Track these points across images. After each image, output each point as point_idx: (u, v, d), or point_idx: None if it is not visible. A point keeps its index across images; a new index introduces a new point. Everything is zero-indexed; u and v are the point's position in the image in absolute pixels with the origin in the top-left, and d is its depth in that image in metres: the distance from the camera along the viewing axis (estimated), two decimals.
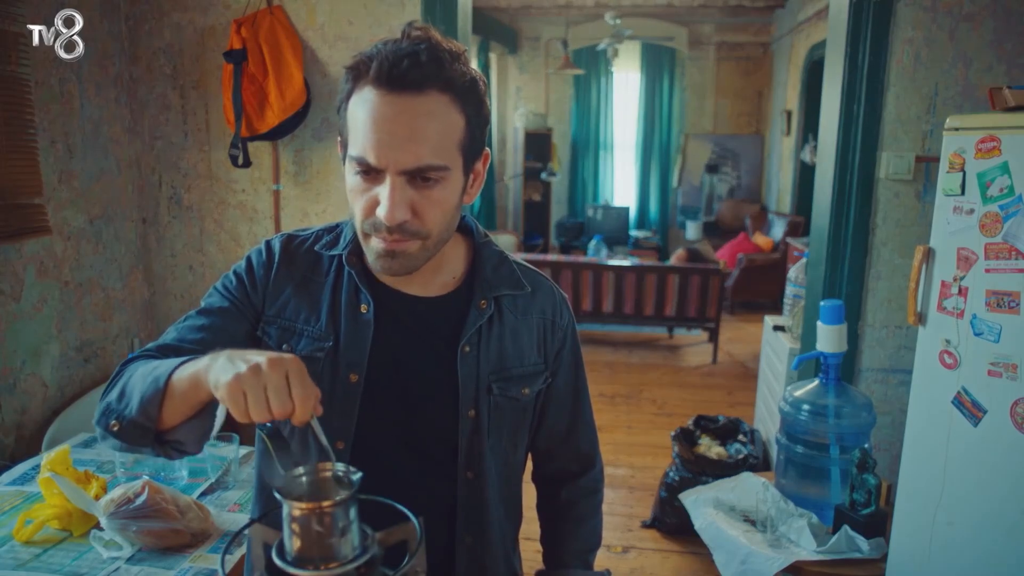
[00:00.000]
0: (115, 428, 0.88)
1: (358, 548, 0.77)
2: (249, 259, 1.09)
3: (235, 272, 1.09)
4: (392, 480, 0.99)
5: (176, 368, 0.86)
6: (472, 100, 0.92)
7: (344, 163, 0.95)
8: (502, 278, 1.08)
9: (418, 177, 0.89)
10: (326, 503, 0.73)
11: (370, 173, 0.90)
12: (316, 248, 1.07)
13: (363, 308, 1.03)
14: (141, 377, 0.89)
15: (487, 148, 1.01)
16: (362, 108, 0.89)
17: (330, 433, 1.01)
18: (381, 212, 0.89)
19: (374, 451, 1.04)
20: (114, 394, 0.92)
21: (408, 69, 0.86)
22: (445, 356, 1.04)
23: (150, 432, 0.87)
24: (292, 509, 0.74)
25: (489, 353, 1.05)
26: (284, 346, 1.03)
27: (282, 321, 1.05)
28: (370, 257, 0.97)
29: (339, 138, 0.97)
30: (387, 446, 1.05)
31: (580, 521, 1.25)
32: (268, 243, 1.09)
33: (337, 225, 1.10)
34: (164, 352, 0.98)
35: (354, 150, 0.90)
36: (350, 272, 1.04)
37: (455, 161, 0.92)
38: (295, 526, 0.75)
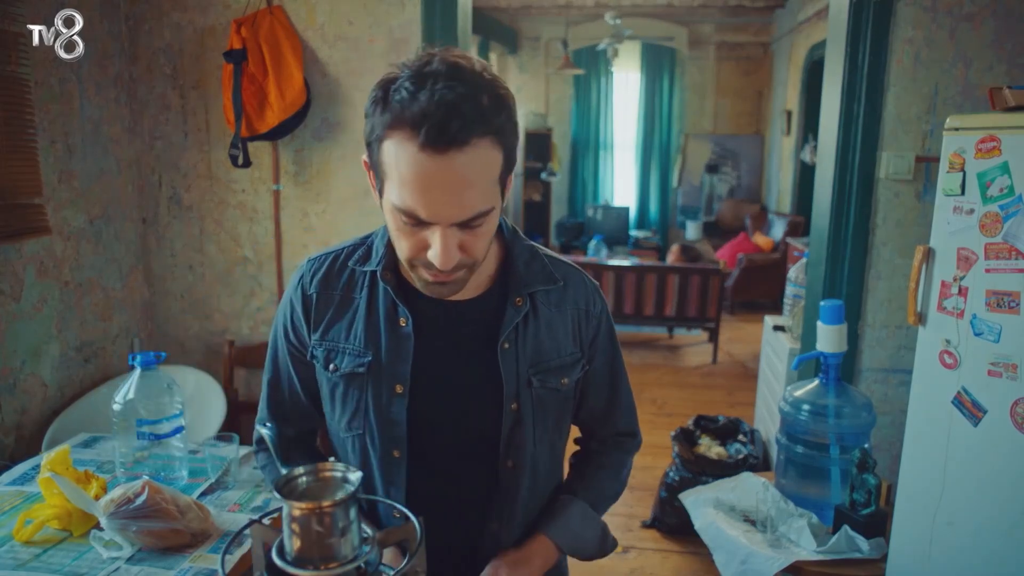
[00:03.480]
0: None
1: (358, 548, 0.77)
2: (291, 299, 1.13)
3: (283, 317, 1.14)
4: (435, 474, 1.06)
5: None
6: (508, 129, 0.90)
7: (378, 193, 0.94)
8: (535, 274, 1.10)
9: (469, 223, 0.90)
10: (326, 503, 0.73)
11: (419, 223, 0.90)
12: (349, 263, 1.10)
13: (402, 322, 1.05)
14: None
15: None
16: (404, 163, 0.86)
17: (384, 443, 1.07)
18: (434, 258, 0.90)
19: (425, 451, 1.08)
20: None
21: (456, 131, 0.83)
22: (485, 355, 1.06)
23: None
24: (292, 509, 0.74)
25: (527, 348, 1.07)
26: (331, 366, 1.08)
27: (327, 343, 1.09)
28: (418, 283, 0.99)
29: (366, 165, 0.95)
30: (435, 446, 1.09)
31: (600, 467, 1.26)
32: (301, 275, 1.12)
33: (368, 237, 1.11)
34: (281, 424, 1.17)
35: (399, 201, 0.88)
36: (386, 288, 1.06)
37: (496, 196, 0.92)
38: (295, 526, 0.75)
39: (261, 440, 1.21)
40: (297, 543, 0.75)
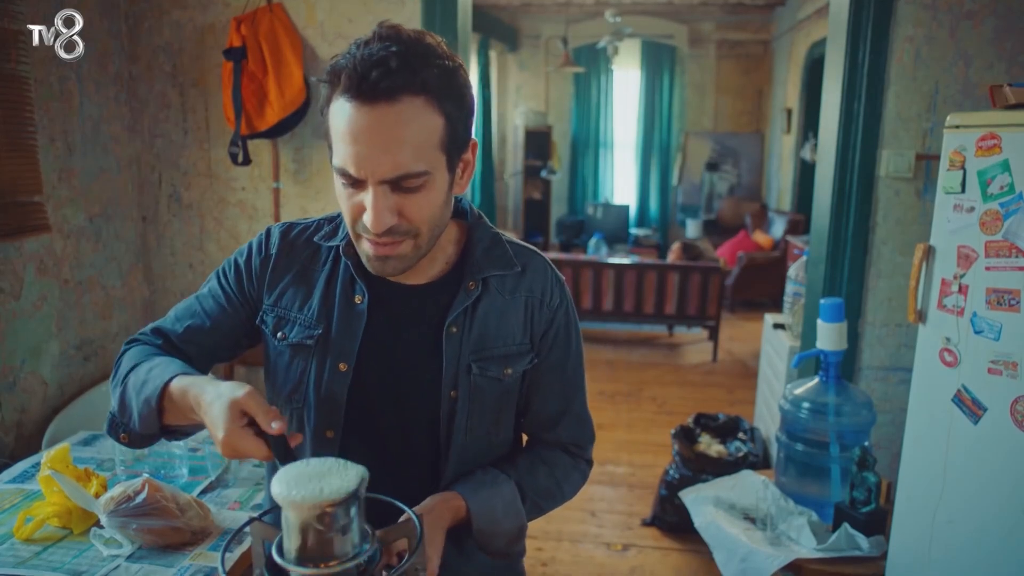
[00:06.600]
0: (125, 440, 1.04)
1: (358, 545, 0.77)
2: (250, 248, 1.12)
3: (235, 261, 1.12)
4: (375, 461, 0.99)
5: (163, 390, 0.95)
6: (450, 96, 0.91)
7: (331, 165, 0.96)
8: (493, 259, 1.08)
9: (400, 184, 0.90)
10: (327, 503, 0.73)
11: (354, 182, 0.91)
12: (315, 239, 1.09)
13: (357, 299, 1.04)
14: (135, 392, 0.98)
15: (473, 138, 1.00)
16: (339, 118, 0.89)
17: (319, 421, 1.05)
18: (367, 219, 0.90)
19: (362, 435, 1.06)
20: (115, 402, 1.03)
21: (379, 79, 0.85)
22: (433, 339, 1.05)
23: (155, 436, 1.01)
24: (291, 509, 0.74)
25: (472, 333, 1.05)
26: (279, 334, 1.07)
27: (278, 310, 1.08)
28: (363, 258, 0.98)
29: (326, 136, 0.97)
30: (374, 430, 1.07)
31: (540, 460, 1.15)
32: (268, 232, 1.12)
33: (338, 215, 1.11)
34: (159, 336, 1.10)
35: (336, 160, 0.91)
36: (346, 263, 1.05)
37: (437, 162, 0.92)
38: (294, 525, 0.74)
39: (134, 340, 1.11)
40: (297, 542, 0.74)
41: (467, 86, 0.94)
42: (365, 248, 0.96)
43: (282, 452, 0.85)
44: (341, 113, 0.88)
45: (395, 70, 0.85)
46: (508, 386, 1.09)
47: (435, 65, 0.89)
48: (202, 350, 1.10)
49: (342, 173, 0.91)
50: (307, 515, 0.73)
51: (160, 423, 0.97)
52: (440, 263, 1.07)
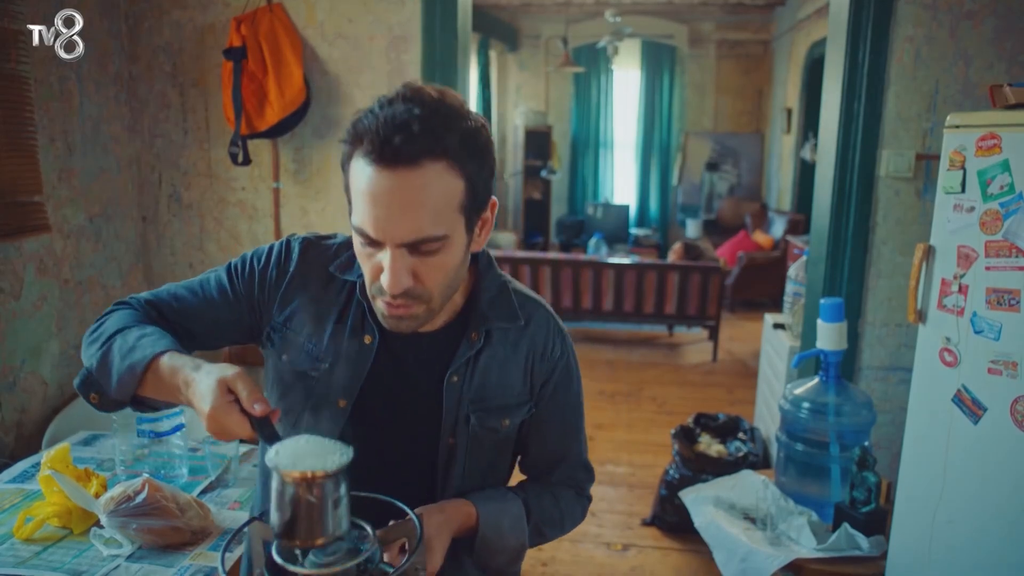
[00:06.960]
0: (95, 400, 1.00)
1: (345, 531, 0.78)
2: (268, 256, 1.10)
3: (251, 263, 1.10)
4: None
5: (152, 360, 0.93)
6: (472, 159, 0.90)
7: (351, 222, 0.95)
8: (498, 310, 1.08)
9: (418, 247, 0.89)
10: (318, 472, 0.74)
11: (372, 242, 0.91)
12: (331, 267, 1.08)
13: (367, 339, 1.04)
14: (120, 354, 0.96)
15: (493, 197, 0.99)
16: (360, 179, 0.88)
17: None
18: (384, 281, 0.90)
19: (354, 471, 1.05)
20: (95, 360, 0.99)
21: (401, 144, 0.84)
22: (434, 386, 1.05)
23: (125, 404, 0.99)
24: (283, 478, 0.74)
25: (473, 383, 1.06)
26: (284, 356, 1.07)
27: (287, 332, 1.07)
28: (378, 315, 0.98)
29: (346, 191, 0.96)
30: (365, 468, 1.05)
31: (545, 488, 1.19)
32: (289, 244, 1.10)
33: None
34: (152, 308, 1.08)
35: (355, 219, 0.91)
36: (360, 301, 1.05)
37: (455, 225, 0.91)
38: (285, 497, 0.75)
39: (125, 303, 1.09)
40: (286, 515, 0.75)
41: (489, 144, 0.94)
42: (380, 307, 0.96)
43: (266, 433, 0.85)
44: (362, 174, 0.88)
45: (417, 135, 0.85)
46: (506, 436, 1.11)
47: (457, 128, 0.88)
48: (191, 335, 1.09)
49: (360, 233, 0.90)
50: (296, 486, 0.73)
51: (134, 393, 0.96)
52: (447, 311, 1.07)
